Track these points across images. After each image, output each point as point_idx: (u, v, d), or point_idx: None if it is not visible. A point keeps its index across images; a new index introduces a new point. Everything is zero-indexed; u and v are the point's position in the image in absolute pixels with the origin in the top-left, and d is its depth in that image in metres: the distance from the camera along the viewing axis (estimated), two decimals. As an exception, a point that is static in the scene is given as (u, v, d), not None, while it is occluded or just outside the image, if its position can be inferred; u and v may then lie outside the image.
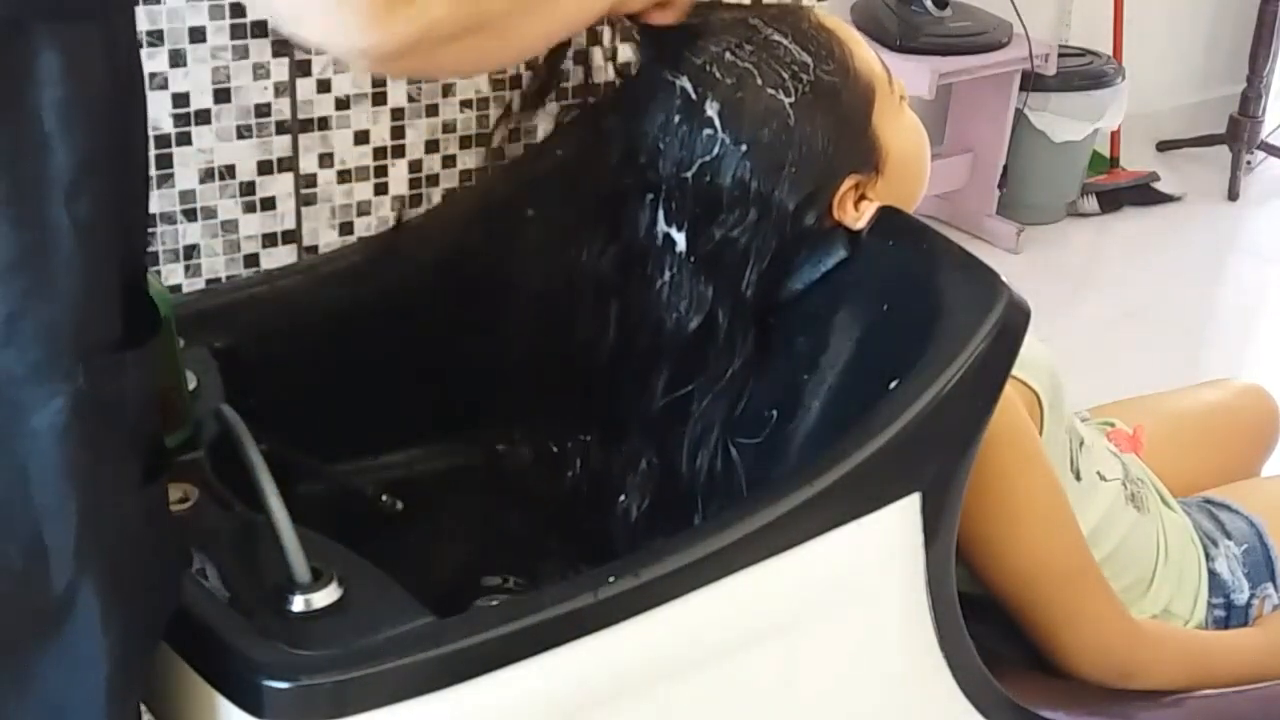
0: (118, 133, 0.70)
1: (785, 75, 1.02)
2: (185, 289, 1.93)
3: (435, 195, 2.14)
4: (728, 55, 1.02)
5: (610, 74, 1.13)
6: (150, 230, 1.88)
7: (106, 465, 0.72)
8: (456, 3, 0.78)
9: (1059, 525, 1.10)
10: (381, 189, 2.10)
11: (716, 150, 1.02)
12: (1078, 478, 1.19)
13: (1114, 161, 3.39)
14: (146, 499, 0.76)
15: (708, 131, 1.02)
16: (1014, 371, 1.00)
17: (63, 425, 0.69)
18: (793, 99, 1.02)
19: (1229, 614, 1.30)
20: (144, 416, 0.76)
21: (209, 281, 1.97)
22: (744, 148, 1.02)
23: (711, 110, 1.02)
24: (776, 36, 1.03)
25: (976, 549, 1.08)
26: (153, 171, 1.85)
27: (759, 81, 1.02)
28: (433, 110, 2.10)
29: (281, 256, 2.03)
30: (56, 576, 0.71)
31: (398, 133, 2.07)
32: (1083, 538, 1.12)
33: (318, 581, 0.83)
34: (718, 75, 1.02)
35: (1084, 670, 1.14)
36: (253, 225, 1.99)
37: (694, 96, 1.02)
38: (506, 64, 0.89)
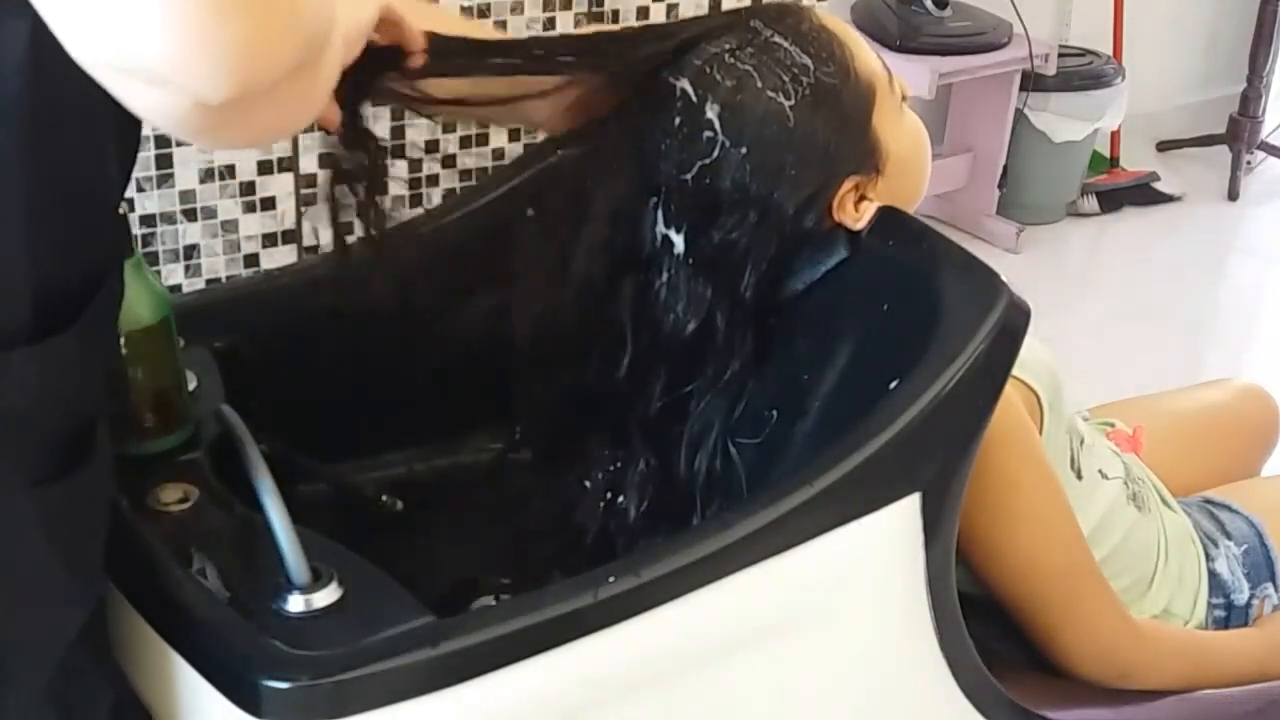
0: (40, 128, 0.66)
1: (785, 78, 1.02)
2: (185, 289, 1.93)
3: (435, 195, 2.14)
4: (728, 57, 1.02)
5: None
6: (151, 230, 1.88)
7: None
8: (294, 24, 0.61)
9: (1058, 525, 1.10)
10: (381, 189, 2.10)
11: (716, 153, 1.02)
12: (1079, 476, 1.19)
13: (1114, 161, 3.39)
14: (44, 501, 0.72)
15: (707, 134, 1.02)
16: (1014, 371, 1.00)
17: None
18: (792, 101, 1.02)
19: (1229, 614, 1.30)
20: (45, 412, 0.72)
21: (209, 281, 1.97)
22: (744, 150, 1.02)
23: (711, 113, 1.02)
24: (777, 39, 1.03)
25: (975, 548, 1.08)
26: (152, 171, 1.85)
27: (759, 84, 1.02)
28: (433, 110, 2.10)
29: (281, 256, 2.03)
30: None
31: (398, 133, 2.07)
32: (1082, 538, 1.12)
33: (318, 581, 0.83)
34: (718, 77, 1.02)
35: (1082, 670, 1.14)
36: (253, 225, 1.99)
37: (694, 99, 1.02)
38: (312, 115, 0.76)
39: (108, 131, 0.72)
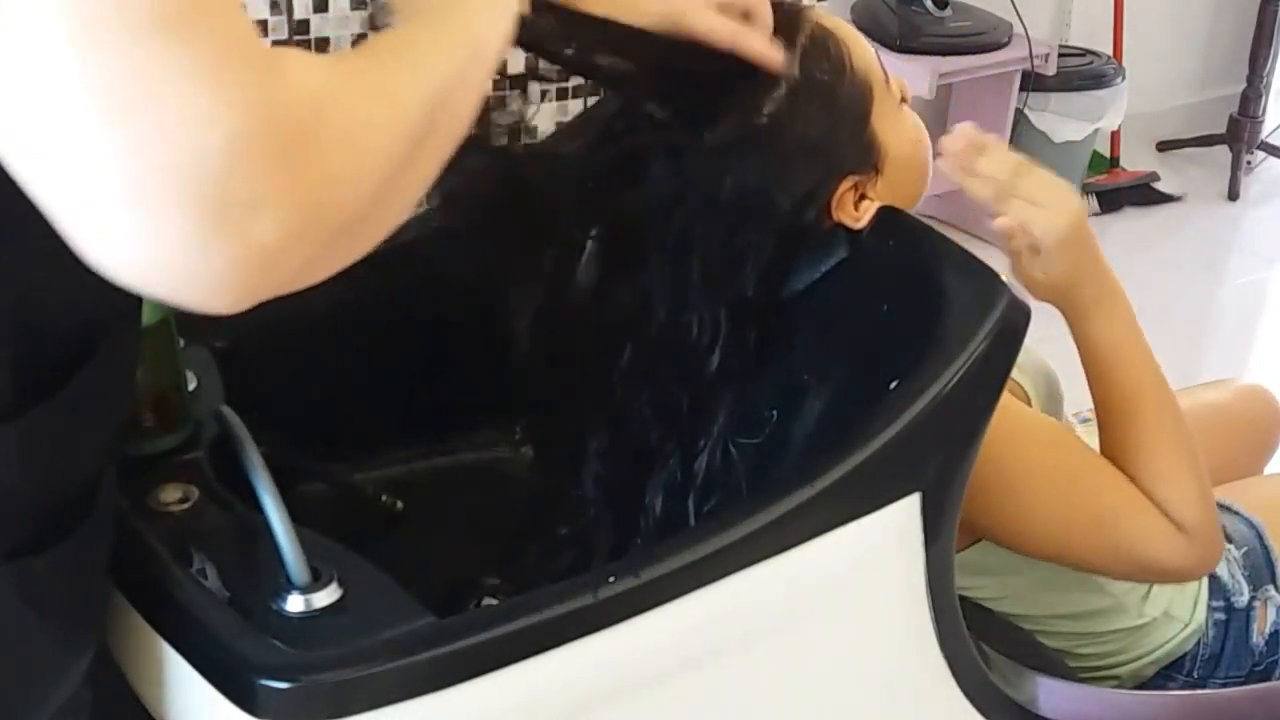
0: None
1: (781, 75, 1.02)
2: (185, 289, 1.93)
3: (435, 195, 2.13)
4: None
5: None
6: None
7: None
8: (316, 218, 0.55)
9: (1068, 480, 1.08)
10: (381, 189, 2.09)
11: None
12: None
13: (1114, 161, 3.39)
14: (16, 573, 0.67)
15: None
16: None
17: None
18: (787, 98, 1.02)
19: (1229, 617, 1.30)
20: (27, 486, 0.66)
21: (209, 281, 1.96)
22: (740, 146, 1.01)
23: None
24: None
25: (999, 533, 1.07)
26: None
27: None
28: (433, 110, 2.09)
29: (281, 256, 2.02)
30: None
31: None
32: (1099, 472, 1.09)
33: (317, 581, 0.82)
34: None
35: (1168, 577, 1.15)
36: (253, 225, 1.98)
37: None
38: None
39: None
